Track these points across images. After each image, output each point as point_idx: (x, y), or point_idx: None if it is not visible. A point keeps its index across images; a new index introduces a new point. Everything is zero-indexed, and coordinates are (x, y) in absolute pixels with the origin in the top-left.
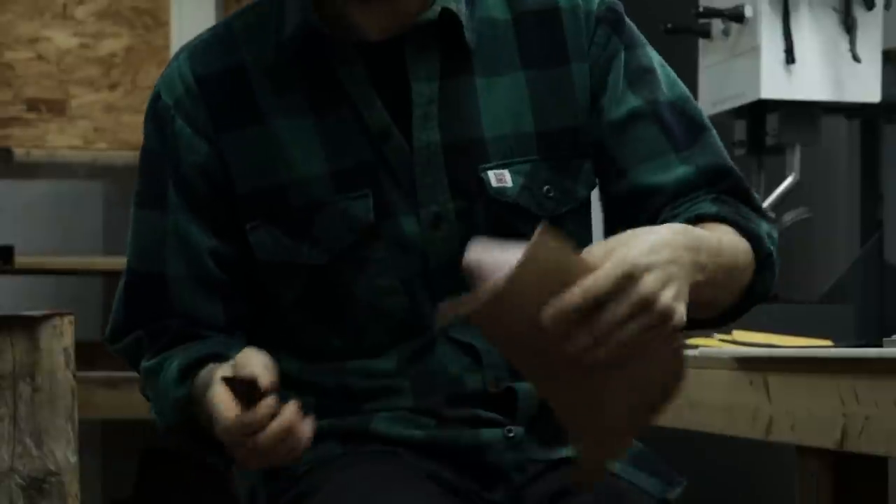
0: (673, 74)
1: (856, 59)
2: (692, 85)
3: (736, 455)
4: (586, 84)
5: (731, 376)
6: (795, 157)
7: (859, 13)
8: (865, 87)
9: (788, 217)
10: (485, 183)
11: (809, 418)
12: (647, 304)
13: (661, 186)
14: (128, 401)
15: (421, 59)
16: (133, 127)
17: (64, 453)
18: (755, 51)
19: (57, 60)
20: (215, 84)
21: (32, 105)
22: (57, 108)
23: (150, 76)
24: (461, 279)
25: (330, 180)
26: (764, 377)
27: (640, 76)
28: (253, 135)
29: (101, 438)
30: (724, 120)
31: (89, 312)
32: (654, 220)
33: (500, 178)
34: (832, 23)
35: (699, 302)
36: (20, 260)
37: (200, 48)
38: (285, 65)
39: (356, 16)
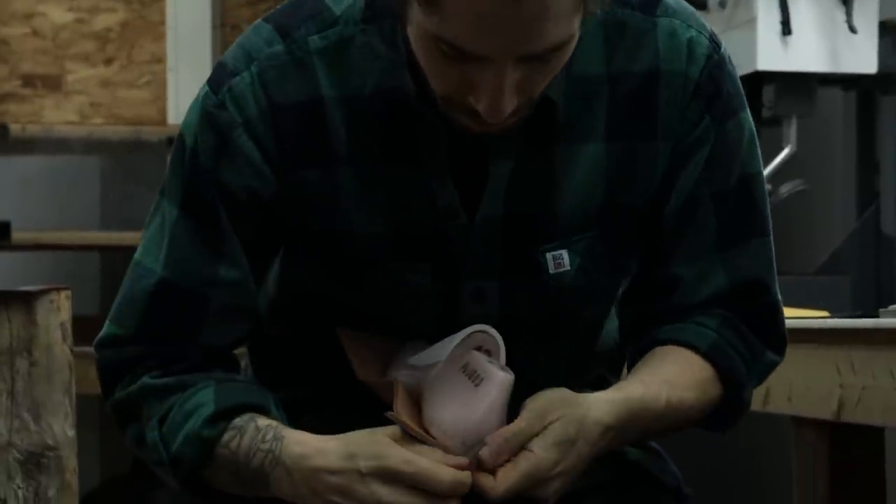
0: (755, 145)
1: (852, 30)
2: None
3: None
4: (666, 162)
5: None
6: (792, 129)
7: None
8: (862, 59)
9: (785, 189)
10: (542, 266)
11: (806, 389)
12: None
13: (689, 293)
14: None
15: (504, 138)
16: (129, 102)
17: (62, 428)
18: (751, 22)
19: (52, 36)
20: (291, 117)
21: (28, 81)
22: (52, 83)
23: (146, 51)
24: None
25: (390, 243)
26: None
27: (721, 156)
28: (318, 176)
29: (98, 413)
30: None
31: (86, 287)
32: (671, 315)
33: (558, 261)
34: None
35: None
36: (17, 235)
37: (276, 69)
38: (365, 110)
39: None
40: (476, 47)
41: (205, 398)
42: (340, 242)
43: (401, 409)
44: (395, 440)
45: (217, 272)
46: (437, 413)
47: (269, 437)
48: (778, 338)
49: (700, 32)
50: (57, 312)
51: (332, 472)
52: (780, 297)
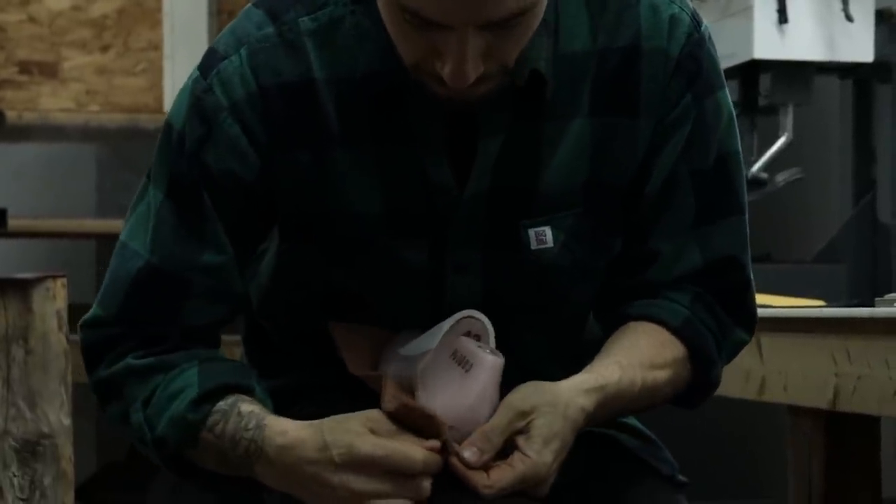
0: (734, 124)
1: (849, 18)
2: None
3: (729, 415)
4: (647, 140)
5: None
6: (788, 118)
7: None
8: (858, 47)
9: (781, 177)
10: (523, 242)
11: (802, 378)
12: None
13: (664, 269)
14: None
15: (495, 114)
16: (125, 89)
17: (57, 416)
18: (748, 10)
19: (49, 22)
20: (281, 98)
21: (24, 67)
22: (49, 70)
23: (142, 38)
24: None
25: (384, 221)
26: (757, 338)
27: (700, 134)
28: (309, 158)
29: (94, 401)
30: None
31: (82, 275)
32: (645, 290)
33: (540, 237)
34: None
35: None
36: (13, 223)
37: (266, 51)
38: (356, 91)
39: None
40: (436, 15)
41: (188, 380)
42: (335, 223)
43: (388, 403)
44: (369, 426)
45: (200, 257)
46: (430, 402)
47: (251, 424)
48: (748, 316)
49: (682, 9)
50: (53, 300)
51: (309, 462)
52: (752, 275)
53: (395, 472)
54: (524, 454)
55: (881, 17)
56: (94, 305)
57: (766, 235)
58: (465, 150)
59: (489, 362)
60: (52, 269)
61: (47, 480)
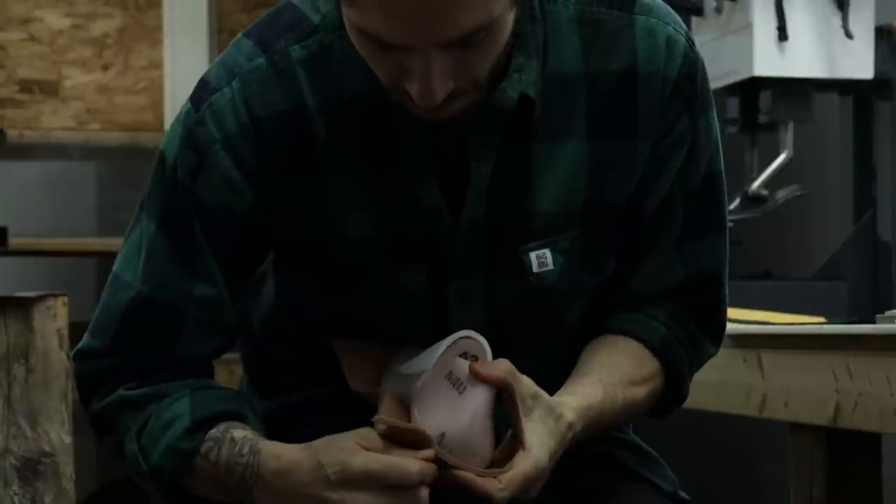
0: (720, 144)
1: (848, 35)
2: None
3: (730, 432)
4: (645, 161)
5: (725, 354)
6: (788, 135)
7: None
8: (858, 64)
9: (781, 194)
10: (526, 266)
11: (803, 395)
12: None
13: (647, 284)
14: None
15: (485, 137)
16: (126, 108)
17: (58, 434)
18: (748, 28)
19: (49, 41)
20: (274, 128)
21: (25, 86)
22: (50, 89)
23: (143, 57)
24: None
25: (380, 246)
26: (757, 354)
27: (693, 154)
28: (304, 186)
29: None
30: (717, 97)
31: (83, 294)
32: (626, 302)
33: (541, 260)
34: None
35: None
36: (14, 241)
37: (258, 82)
38: (346, 116)
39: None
40: (391, 37)
41: (181, 409)
42: (332, 250)
43: (379, 426)
44: (363, 444)
45: (193, 289)
46: (425, 422)
47: (245, 450)
48: (718, 330)
49: (677, 30)
50: (54, 319)
51: (306, 484)
52: (727, 291)
53: (392, 486)
54: (524, 449)
55: (881, 33)
56: (86, 335)
57: (767, 252)
58: (458, 175)
59: (482, 385)
60: (53, 287)
61: (48, 499)
